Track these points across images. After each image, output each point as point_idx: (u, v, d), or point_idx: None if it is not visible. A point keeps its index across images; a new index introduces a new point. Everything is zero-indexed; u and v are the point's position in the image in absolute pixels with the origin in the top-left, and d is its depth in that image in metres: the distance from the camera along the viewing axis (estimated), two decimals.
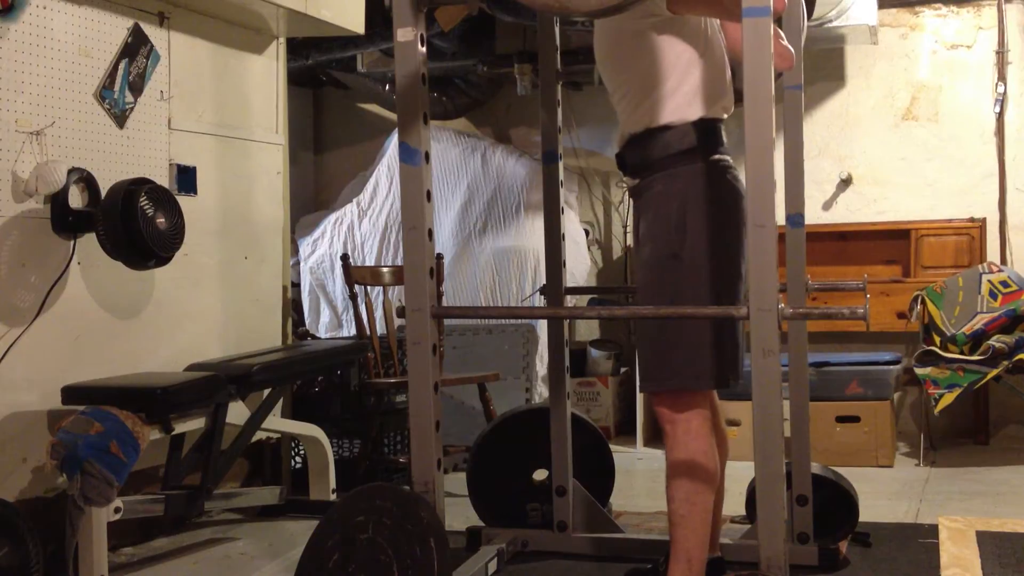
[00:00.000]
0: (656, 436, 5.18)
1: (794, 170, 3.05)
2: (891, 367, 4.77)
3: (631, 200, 2.68)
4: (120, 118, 3.49)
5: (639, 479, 4.54)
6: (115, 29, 3.47)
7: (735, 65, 2.62)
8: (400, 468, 4.30)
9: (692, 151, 2.50)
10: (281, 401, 3.89)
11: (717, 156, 2.54)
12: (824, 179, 5.43)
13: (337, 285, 5.40)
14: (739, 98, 2.74)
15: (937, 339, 4.57)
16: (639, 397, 5.14)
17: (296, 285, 5.40)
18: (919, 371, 4.56)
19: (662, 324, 2.50)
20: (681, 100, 2.49)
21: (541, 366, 4.94)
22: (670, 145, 2.49)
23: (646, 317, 2.49)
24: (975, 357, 4.45)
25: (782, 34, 2.64)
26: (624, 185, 2.64)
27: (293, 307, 4.74)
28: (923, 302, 4.68)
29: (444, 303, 4.65)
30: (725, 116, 2.60)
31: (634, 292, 4.54)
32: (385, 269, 4.51)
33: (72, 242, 3.28)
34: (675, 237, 2.47)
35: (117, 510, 2.98)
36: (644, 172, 2.56)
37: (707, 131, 2.52)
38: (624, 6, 2.10)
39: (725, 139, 2.59)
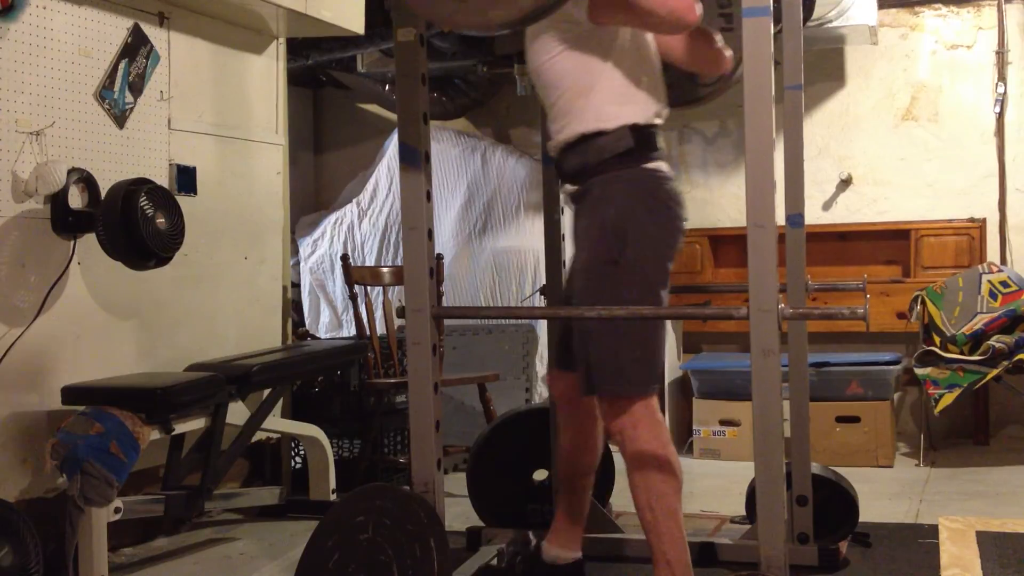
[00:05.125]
0: None
1: (794, 170, 3.05)
2: (891, 367, 4.77)
3: (572, 206, 2.69)
4: (120, 118, 3.49)
5: None
6: (115, 29, 3.47)
7: (671, 67, 2.70)
8: (400, 468, 4.30)
9: (628, 155, 2.52)
10: (281, 401, 3.89)
11: (653, 163, 2.57)
12: (824, 179, 5.44)
13: (337, 285, 5.40)
14: (677, 99, 2.86)
15: (937, 339, 4.57)
16: None
17: (296, 285, 5.40)
18: (919, 371, 4.56)
19: (623, 330, 2.49)
20: (613, 106, 2.52)
21: (541, 366, 4.94)
22: (605, 150, 2.52)
23: (647, 317, 2.49)
24: (975, 357, 4.45)
25: (719, 38, 2.68)
26: (562, 192, 2.67)
27: (293, 307, 4.74)
28: (923, 302, 4.68)
29: (444, 303, 4.65)
30: (660, 122, 2.62)
31: None
32: (385, 269, 4.51)
33: (72, 242, 3.28)
34: (613, 243, 2.49)
35: (117, 510, 2.99)
36: (581, 178, 2.58)
37: (642, 137, 2.54)
38: (532, 17, 2.14)
39: (662, 145, 2.61)
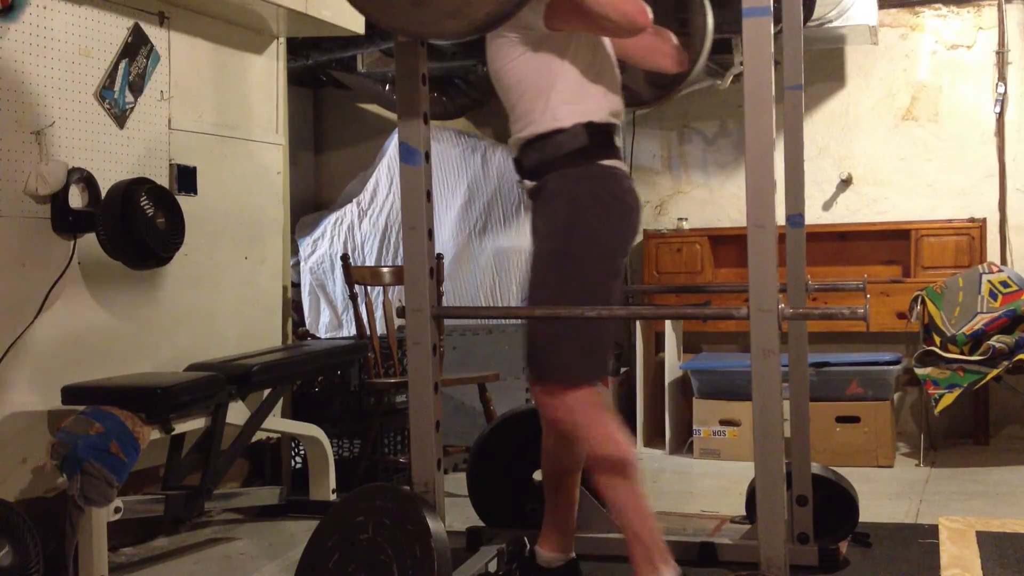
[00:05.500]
0: (657, 436, 5.19)
1: (794, 170, 3.05)
2: (891, 367, 4.77)
3: (530, 202, 2.77)
4: (120, 118, 3.49)
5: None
6: (115, 29, 3.47)
7: (630, 68, 2.83)
8: (400, 468, 4.30)
9: (584, 152, 2.61)
10: (281, 401, 3.89)
11: (608, 160, 2.66)
12: (824, 179, 5.44)
13: (337, 285, 5.39)
14: (634, 99, 2.97)
15: (937, 339, 4.57)
16: (639, 397, 5.14)
17: (296, 285, 5.40)
18: (919, 371, 4.56)
19: (559, 322, 2.58)
20: (569, 105, 2.61)
21: None
22: (562, 146, 2.61)
23: (647, 318, 2.49)
24: (975, 357, 4.45)
25: (672, 37, 2.79)
26: (523, 188, 2.74)
27: (293, 307, 4.73)
28: (923, 302, 4.68)
29: (444, 303, 4.65)
30: (616, 121, 2.71)
31: (635, 292, 4.56)
32: (385, 269, 4.51)
33: (72, 242, 3.28)
34: (565, 237, 2.59)
35: (117, 510, 2.98)
36: (539, 174, 2.66)
37: (598, 135, 2.63)
38: (484, 28, 2.22)
39: (619, 144, 2.70)
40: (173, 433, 3.24)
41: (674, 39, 2.79)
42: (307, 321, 5.44)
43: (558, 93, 2.60)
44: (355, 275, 4.36)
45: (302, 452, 4.16)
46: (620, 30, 2.51)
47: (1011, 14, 5.19)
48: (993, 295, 4.56)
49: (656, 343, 5.33)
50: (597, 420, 2.57)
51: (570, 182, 2.61)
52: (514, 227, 5.33)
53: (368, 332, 4.29)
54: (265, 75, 4.18)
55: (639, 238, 5.50)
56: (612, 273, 2.65)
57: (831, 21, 4.83)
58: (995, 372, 4.40)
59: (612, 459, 2.55)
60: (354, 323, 4.37)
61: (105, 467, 2.90)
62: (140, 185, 3.30)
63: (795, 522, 3.02)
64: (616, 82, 2.74)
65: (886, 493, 4.08)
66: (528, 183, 2.71)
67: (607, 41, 2.73)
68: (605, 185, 2.63)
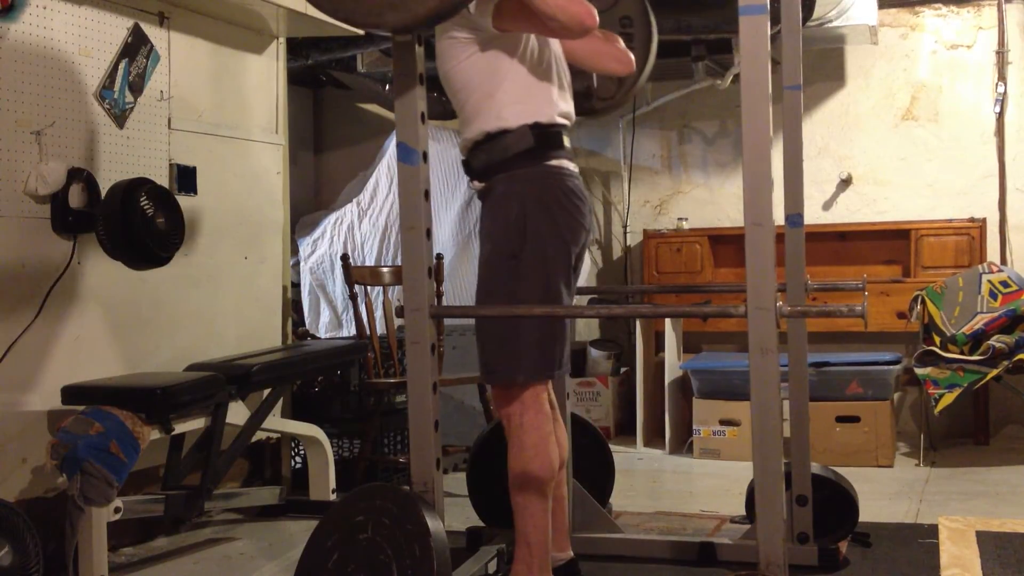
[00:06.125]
0: (657, 436, 5.19)
1: (793, 170, 3.06)
2: (891, 367, 4.77)
3: (480, 202, 2.79)
4: (120, 118, 3.49)
5: (639, 479, 4.54)
6: (115, 29, 3.47)
7: (578, 70, 2.86)
8: (400, 468, 4.30)
9: (531, 153, 2.64)
10: (281, 401, 3.89)
11: (556, 160, 2.68)
12: (824, 179, 5.44)
13: (337, 285, 5.39)
14: (584, 105, 3.05)
15: (937, 339, 4.57)
16: (639, 397, 5.14)
17: (296, 285, 5.39)
18: (919, 371, 4.56)
19: (512, 321, 2.63)
20: (516, 106, 2.64)
21: None
22: (509, 148, 2.64)
23: (646, 316, 2.49)
24: (975, 357, 4.45)
25: (619, 40, 2.85)
26: (473, 188, 2.77)
27: (293, 307, 4.74)
28: (923, 302, 4.68)
29: (444, 303, 4.65)
30: (565, 122, 2.74)
31: (635, 292, 4.55)
32: (385, 269, 4.51)
33: (72, 242, 3.29)
34: (514, 238, 2.62)
35: (117, 510, 2.99)
36: (488, 175, 2.69)
37: (545, 135, 2.66)
38: (427, 23, 2.26)
39: (567, 144, 2.73)
40: (173, 433, 3.25)
41: (621, 42, 2.83)
42: (307, 321, 5.44)
43: (505, 93, 2.63)
44: (355, 275, 4.36)
45: (302, 452, 4.16)
46: (567, 31, 2.53)
47: (1011, 14, 5.19)
48: (993, 295, 4.56)
49: (656, 343, 5.33)
50: (539, 424, 2.63)
51: (517, 185, 2.64)
52: None
53: (368, 332, 4.29)
54: (265, 75, 4.18)
55: (639, 238, 5.51)
56: (561, 272, 2.67)
57: (831, 21, 4.83)
58: (995, 372, 4.40)
59: (531, 473, 2.61)
60: (354, 323, 4.37)
61: (105, 467, 2.90)
62: (140, 185, 3.30)
63: (795, 522, 3.02)
64: (566, 84, 2.78)
65: (886, 493, 4.08)
66: (477, 184, 2.74)
67: (556, 44, 2.76)
68: (551, 185, 2.65)
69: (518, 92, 2.64)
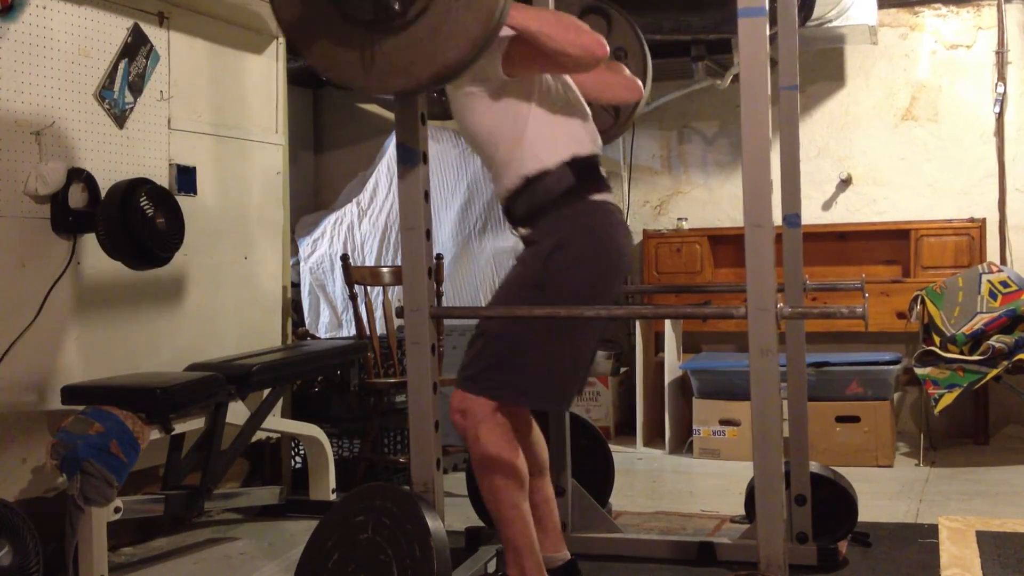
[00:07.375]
0: (656, 436, 5.19)
1: (791, 170, 3.06)
2: (891, 367, 4.77)
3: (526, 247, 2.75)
4: (120, 118, 3.49)
5: (639, 479, 4.54)
6: (115, 29, 3.47)
7: (596, 103, 2.86)
8: (400, 468, 4.30)
9: (573, 191, 2.60)
10: (281, 401, 3.89)
11: (599, 195, 2.64)
12: (824, 179, 5.44)
13: (337, 285, 5.40)
14: (608, 131, 3.07)
15: (937, 339, 4.57)
16: (639, 397, 5.14)
17: (296, 285, 5.40)
18: (919, 371, 4.56)
19: (515, 337, 2.58)
20: (549, 145, 2.60)
21: None
22: (551, 189, 2.60)
23: (646, 317, 2.50)
24: (975, 357, 4.45)
25: (624, 68, 2.84)
26: (518, 235, 2.75)
27: (293, 307, 4.74)
28: (923, 302, 4.68)
29: (444, 303, 4.65)
30: (597, 152, 2.70)
31: (635, 292, 4.55)
32: (385, 269, 4.51)
33: (72, 242, 3.29)
34: (543, 269, 2.57)
35: (117, 510, 2.99)
36: (532, 220, 2.64)
37: (583, 169, 2.63)
38: (432, 86, 2.25)
39: (604, 174, 2.70)
40: (173, 433, 3.25)
41: (625, 69, 2.82)
42: (307, 321, 5.44)
43: (534, 135, 2.59)
44: (355, 275, 4.36)
45: (302, 452, 4.16)
46: (579, 64, 2.49)
47: (1011, 14, 5.19)
48: (993, 295, 4.56)
49: (656, 343, 5.33)
50: (496, 437, 2.57)
51: (561, 222, 2.59)
52: None
53: (368, 332, 4.29)
54: (265, 75, 4.19)
55: (639, 238, 5.50)
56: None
57: (831, 21, 4.83)
58: (995, 372, 4.40)
59: (500, 474, 2.58)
60: (354, 323, 4.37)
61: (105, 467, 2.91)
62: (140, 185, 3.30)
63: (794, 522, 3.03)
64: (585, 110, 2.74)
65: (886, 493, 4.08)
66: (522, 231, 2.69)
67: (568, 77, 2.73)
68: (595, 222, 2.61)
69: (546, 131, 2.60)
